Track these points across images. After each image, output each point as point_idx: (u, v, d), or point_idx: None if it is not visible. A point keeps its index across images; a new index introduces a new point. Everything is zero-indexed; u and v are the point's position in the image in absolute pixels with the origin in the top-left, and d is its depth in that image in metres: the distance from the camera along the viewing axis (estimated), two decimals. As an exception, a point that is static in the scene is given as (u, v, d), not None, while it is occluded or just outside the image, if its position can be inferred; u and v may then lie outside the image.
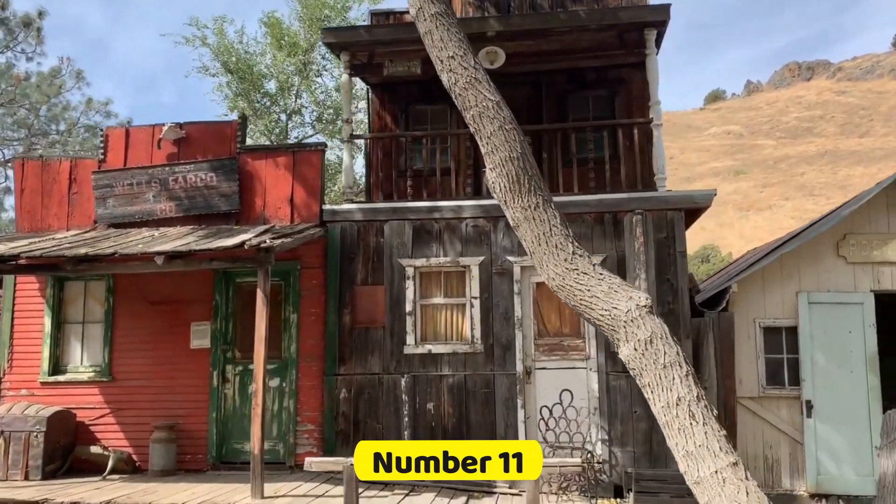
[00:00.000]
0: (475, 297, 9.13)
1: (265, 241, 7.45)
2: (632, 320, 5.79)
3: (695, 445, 5.53)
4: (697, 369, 8.74)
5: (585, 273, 6.09)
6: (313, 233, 8.83)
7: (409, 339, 9.12)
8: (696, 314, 8.99)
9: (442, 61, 6.18)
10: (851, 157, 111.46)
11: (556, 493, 8.33)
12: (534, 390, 8.99)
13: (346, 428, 9.07)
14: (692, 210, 9.23)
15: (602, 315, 5.90)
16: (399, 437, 8.96)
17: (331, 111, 18.81)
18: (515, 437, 8.85)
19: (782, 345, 8.96)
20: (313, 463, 6.24)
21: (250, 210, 9.58)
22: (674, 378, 5.71)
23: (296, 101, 19.08)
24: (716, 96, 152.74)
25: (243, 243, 7.42)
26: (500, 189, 6.14)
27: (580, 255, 6.17)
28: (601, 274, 6.08)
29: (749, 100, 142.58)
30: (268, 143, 18.20)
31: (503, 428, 8.89)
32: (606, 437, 8.73)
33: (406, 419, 8.97)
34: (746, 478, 5.32)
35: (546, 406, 8.77)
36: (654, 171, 9.40)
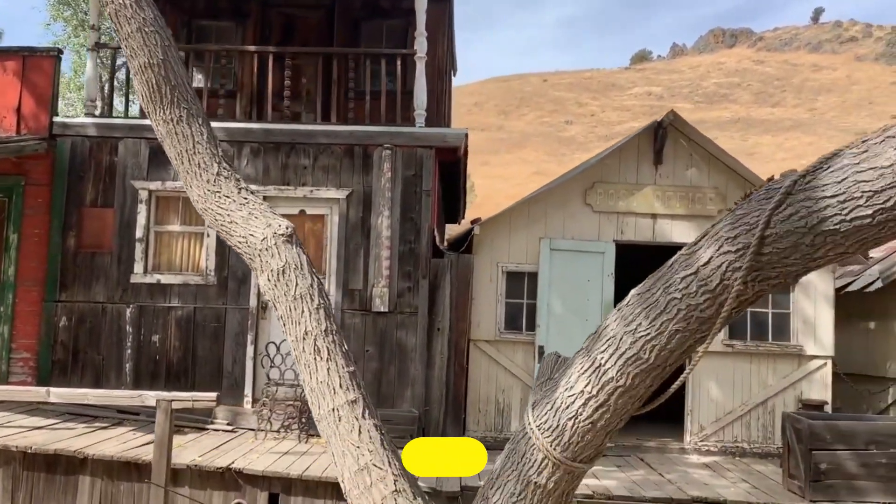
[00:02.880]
0: (211, 227, 8.63)
1: (-70, 148, 6.71)
2: (266, 249, 5.39)
3: (317, 381, 5.24)
4: (433, 310, 8.57)
5: (228, 196, 5.62)
6: (22, 145, 8.10)
7: (138, 268, 8.59)
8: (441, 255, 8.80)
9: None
10: (761, 126, 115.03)
11: (276, 431, 8.08)
12: (268, 326, 8.65)
13: (64, 358, 8.53)
14: (446, 149, 8.92)
15: (240, 242, 5.49)
16: (120, 369, 8.50)
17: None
18: (242, 374, 8.54)
19: (524, 290, 8.88)
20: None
21: (-29, 118, 8.73)
22: (303, 311, 5.38)
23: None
24: (642, 57, 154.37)
25: None
26: (143, 98, 5.62)
27: (226, 177, 5.68)
28: (245, 198, 5.63)
29: (673, 62, 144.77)
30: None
31: (230, 364, 8.55)
32: (335, 376, 8.48)
33: (129, 351, 8.50)
34: (364, 416, 5.12)
35: (273, 342, 8.44)
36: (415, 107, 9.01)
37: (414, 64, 9.19)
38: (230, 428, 8.22)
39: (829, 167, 3.11)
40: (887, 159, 2.89)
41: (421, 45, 8.97)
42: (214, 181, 5.90)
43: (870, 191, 2.93)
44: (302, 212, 8.71)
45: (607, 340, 3.99)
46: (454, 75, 14.08)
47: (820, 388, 8.71)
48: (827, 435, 6.69)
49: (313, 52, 9.66)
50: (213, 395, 5.72)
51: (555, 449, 4.18)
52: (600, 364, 4.00)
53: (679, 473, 7.62)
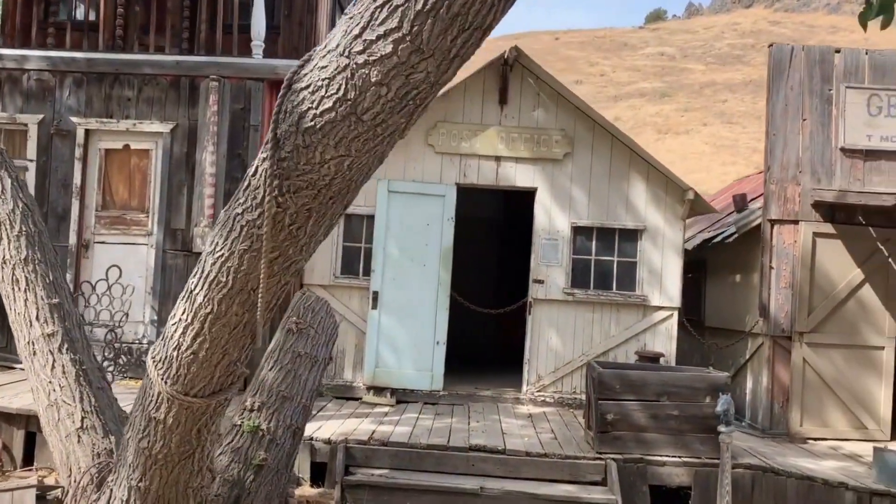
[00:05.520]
0: (31, 161, 8.30)
1: None
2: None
3: (16, 313, 5.00)
4: (258, 252, 8.22)
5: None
6: None
7: (-44, 201, 8.29)
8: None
9: None
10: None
11: (91, 372, 7.84)
12: (91, 265, 8.35)
13: None
14: (280, 82, 8.45)
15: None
16: (-63, 305, 8.27)
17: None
18: (61, 312, 8.26)
19: (363, 233, 8.52)
20: None
21: None
22: (1, 237, 5.11)
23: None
24: (657, 16, 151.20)
25: None
26: None
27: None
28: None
29: (688, 22, 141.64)
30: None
31: (49, 302, 8.28)
32: (157, 317, 8.22)
33: (-54, 287, 8.26)
34: (61, 351, 4.85)
35: (89, 282, 8.17)
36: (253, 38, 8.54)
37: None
38: (41, 367, 7.98)
39: (313, 54, 2.70)
40: (335, 41, 2.47)
41: (259, -28, 8.46)
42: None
43: (327, 78, 2.52)
44: (126, 146, 8.34)
45: (200, 263, 3.62)
46: (359, 16, 13.49)
47: (665, 340, 8.34)
48: (616, 384, 6.34)
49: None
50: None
51: (166, 382, 3.85)
52: (192, 289, 3.65)
53: (490, 422, 7.32)
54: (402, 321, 8.31)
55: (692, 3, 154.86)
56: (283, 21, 9.65)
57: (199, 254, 8.11)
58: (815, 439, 7.80)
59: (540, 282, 8.35)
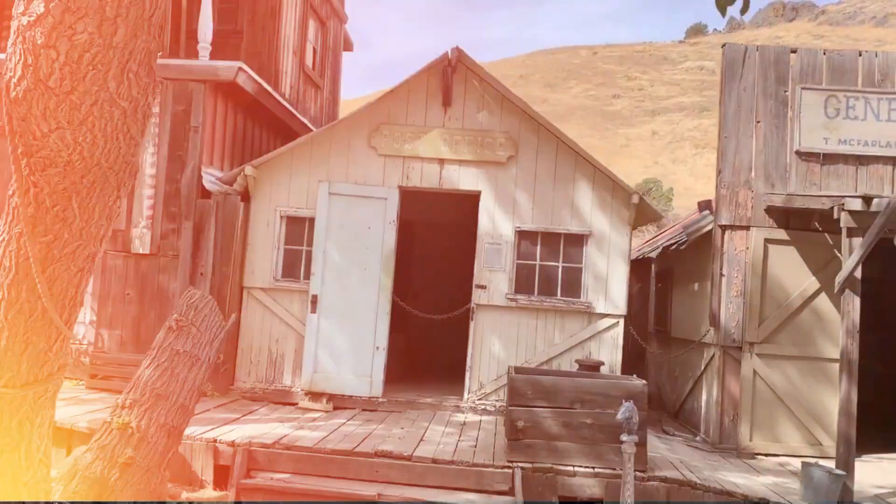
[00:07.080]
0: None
1: None
2: None
3: None
4: (196, 254, 8.21)
5: None
6: None
7: None
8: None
9: None
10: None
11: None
12: (36, 265, 8.42)
13: None
14: (224, 83, 8.47)
15: None
16: None
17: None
18: None
19: (304, 236, 8.43)
20: None
21: None
22: None
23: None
24: (697, 30, 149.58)
25: None
26: None
27: None
28: None
29: (729, 36, 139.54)
30: None
31: (-6, 301, 8.37)
32: (95, 317, 8.24)
33: None
34: None
35: (30, 280, 8.22)
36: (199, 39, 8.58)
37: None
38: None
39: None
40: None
41: (208, -24, 8.51)
42: None
43: (12, 44, 2.43)
44: (72, 148, 8.41)
45: (-7, 251, 3.56)
46: (341, 24, 13.53)
47: (611, 348, 8.04)
48: (528, 390, 6.10)
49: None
50: None
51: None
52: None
53: (416, 430, 7.11)
54: (341, 326, 8.17)
55: (734, 18, 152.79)
56: (245, 25, 9.72)
57: (140, 255, 8.12)
58: (766, 455, 7.42)
59: (482, 287, 8.14)
